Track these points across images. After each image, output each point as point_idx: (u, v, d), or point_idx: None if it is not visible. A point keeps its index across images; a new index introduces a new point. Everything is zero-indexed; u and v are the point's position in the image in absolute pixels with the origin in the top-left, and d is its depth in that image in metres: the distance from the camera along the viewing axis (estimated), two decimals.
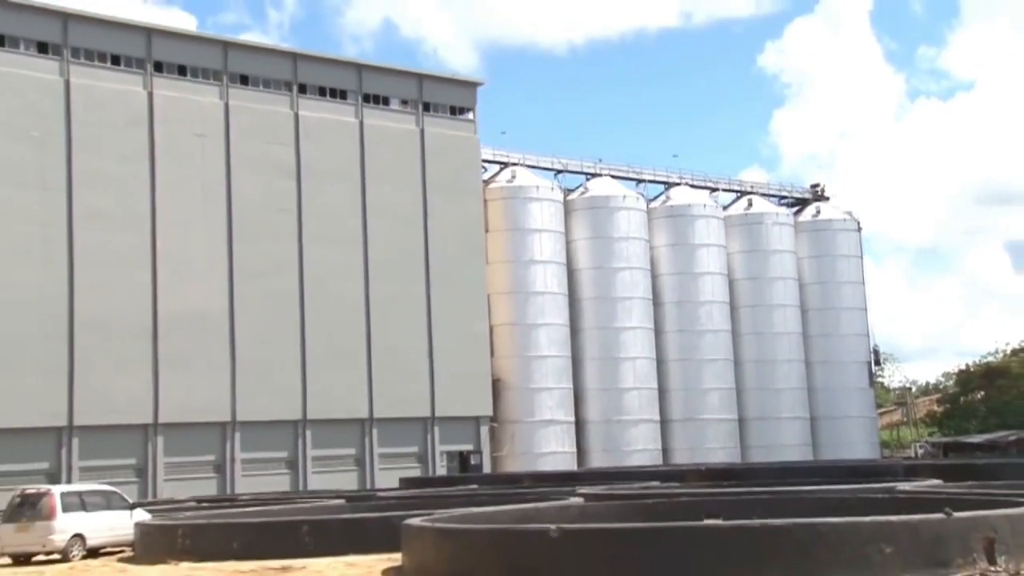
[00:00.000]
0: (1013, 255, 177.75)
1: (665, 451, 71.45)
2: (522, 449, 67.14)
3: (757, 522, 16.52)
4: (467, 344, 65.02)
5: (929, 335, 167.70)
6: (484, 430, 66.19)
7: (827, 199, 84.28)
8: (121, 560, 24.70)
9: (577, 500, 25.94)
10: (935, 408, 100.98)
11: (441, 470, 62.69)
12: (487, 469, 63.58)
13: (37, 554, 25.83)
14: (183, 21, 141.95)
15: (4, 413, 51.28)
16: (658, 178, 78.71)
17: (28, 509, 26.49)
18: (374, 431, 62.00)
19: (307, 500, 37.98)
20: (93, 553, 26.09)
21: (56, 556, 25.49)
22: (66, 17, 56.73)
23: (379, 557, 19.52)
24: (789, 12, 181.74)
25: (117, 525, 27.19)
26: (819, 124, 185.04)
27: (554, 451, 67.49)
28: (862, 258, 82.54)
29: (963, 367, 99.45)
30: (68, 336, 53.48)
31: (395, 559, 18.47)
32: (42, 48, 55.44)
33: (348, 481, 58.90)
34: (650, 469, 52.34)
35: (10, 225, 52.59)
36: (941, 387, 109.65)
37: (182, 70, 59.21)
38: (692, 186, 78.96)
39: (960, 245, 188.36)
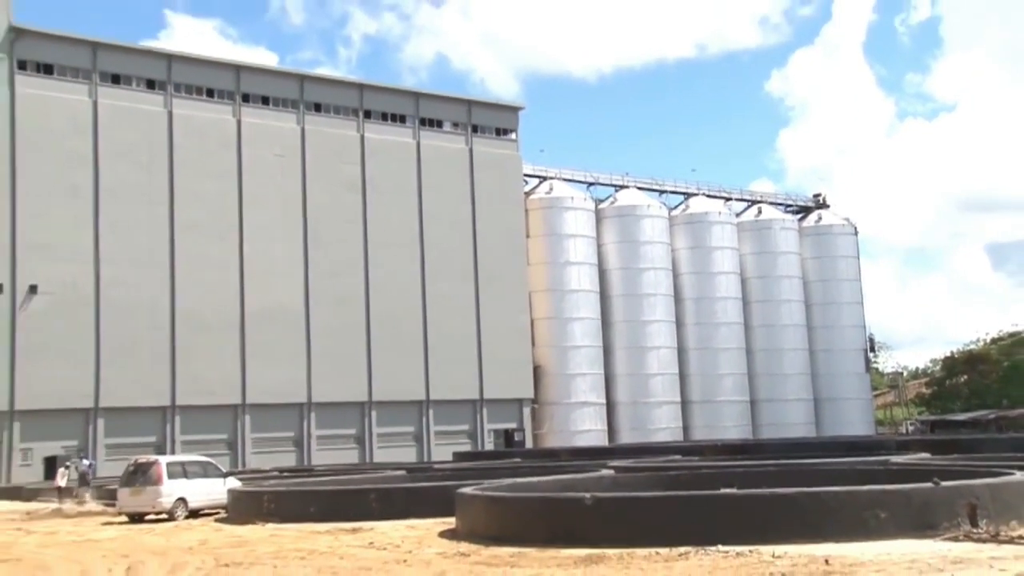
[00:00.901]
0: (992, 256, 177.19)
1: (685, 429, 71.36)
2: (559, 427, 67.35)
3: (767, 491, 16.73)
4: (511, 335, 65.33)
5: (918, 326, 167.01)
6: (526, 411, 66.45)
7: (827, 207, 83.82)
8: (217, 520, 24.87)
9: (608, 472, 25.75)
10: (924, 390, 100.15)
11: (489, 445, 62.90)
12: (529, 445, 63.77)
13: (148, 514, 25.92)
14: (266, 58, 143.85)
15: (119, 395, 52.73)
16: (678, 189, 78.54)
17: (140, 476, 26.58)
18: (430, 411, 62.50)
19: (373, 471, 38.28)
20: (194, 514, 26.18)
21: (164, 516, 25.70)
22: (170, 58, 57.94)
23: (436, 521, 19.54)
24: (792, 43, 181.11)
25: (213, 491, 27.06)
26: (819, 141, 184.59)
27: (588, 429, 67.61)
28: (858, 258, 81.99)
29: (948, 354, 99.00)
30: (170, 329, 54.58)
31: (449, 522, 18.47)
32: (150, 85, 56.54)
33: (408, 455, 59.39)
34: (672, 445, 52.41)
35: (123, 236, 53.81)
36: (929, 372, 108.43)
37: (265, 100, 60.06)
38: (708, 196, 78.78)
39: (945, 247, 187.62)
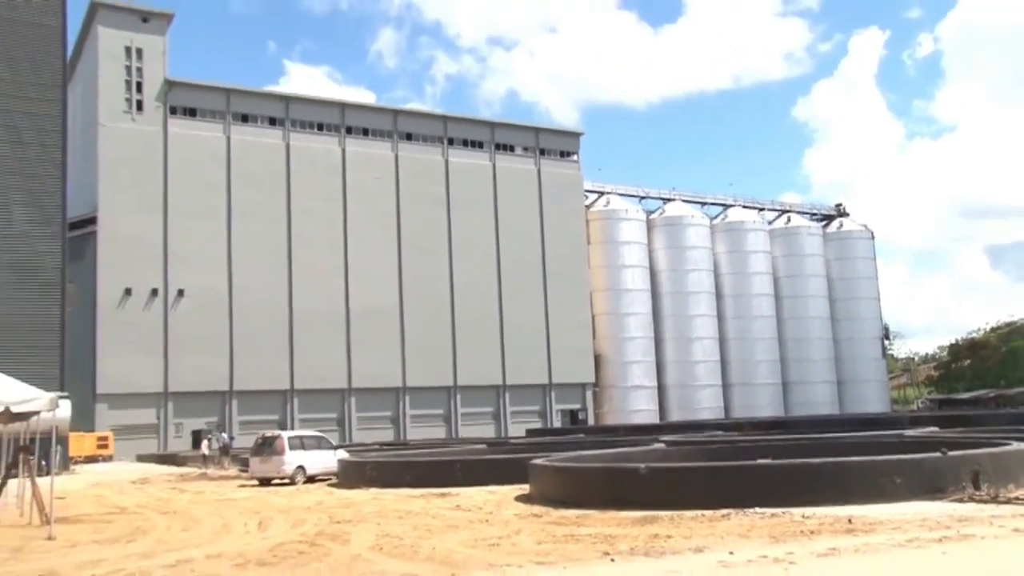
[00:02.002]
0: (990, 256, 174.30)
1: (726, 408, 70.41)
2: (617, 407, 67.00)
3: (797, 461, 16.42)
4: (575, 328, 65.14)
5: (927, 317, 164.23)
6: (589, 393, 66.26)
7: (847, 215, 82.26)
8: (329, 485, 24.86)
9: (660, 445, 25.16)
10: (932, 373, 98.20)
11: (556, 423, 62.82)
12: (591, 422, 63.53)
13: (274, 479, 26.08)
14: (366, 97, 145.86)
15: (249, 380, 53.97)
16: (718, 201, 77.55)
17: (267, 447, 26.79)
18: (506, 394, 62.65)
19: (458, 445, 38.16)
20: (310, 479, 26.24)
21: (286, 480, 25.87)
22: (287, 99, 59.17)
23: (512, 487, 19.33)
24: (814, 75, 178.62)
25: (326, 460, 26.86)
26: (839, 159, 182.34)
27: (641, 409, 67.17)
28: (875, 259, 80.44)
29: (953, 342, 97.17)
30: (289, 326, 55.69)
31: (524, 489, 18.32)
32: (271, 122, 57.75)
33: (487, 431, 59.53)
34: (715, 422, 51.67)
35: (250, 249, 55.07)
36: (937, 357, 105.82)
37: (365, 132, 60.86)
38: (744, 207, 77.60)
39: (949, 248, 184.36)
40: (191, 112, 55.28)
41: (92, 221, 51.66)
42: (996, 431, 23.83)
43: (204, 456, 37.72)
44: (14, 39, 38.52)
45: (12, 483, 17.63)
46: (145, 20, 54.81)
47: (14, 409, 14.32)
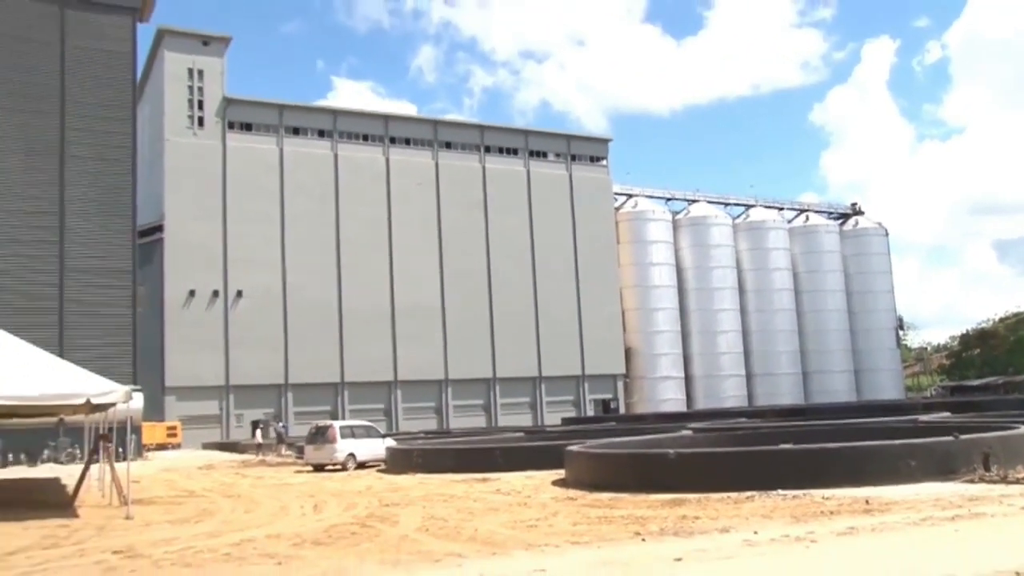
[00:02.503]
0: (998, 250, 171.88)
1: (750, 396, 69.65)
2: (647, 397, 66.60)
3: (817, 445, 16.33)
4: (606, 323, 64.88)
5: (938, 309, 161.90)
6: (620, 384, 65.92)
7: (863, 213, 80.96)
8: (378, 471, 24.97)
9: (687, 432, 24.98)
10: (944, 362, 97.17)
11: (590, 412, 62.58)
12: (622, 411, 63.18)
13: (327, 465, 26.24)
14: (408, 109, 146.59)
15: (302, 374, 54.52)
16: (740, 202, 76.66)
17: (320, 436, 26.84)
18: (543, 385, 62.58)
19: (498, 433, 37.93)
20: (361, 466, 26.33)
21: (338, 467, 26.03)
22: (335, 113, 59.65)
23: (549, 472, 19.40)
24: (830, 82, 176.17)
25: (375, 448, 26.89)
26: (854, 160, 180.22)
27: (670, 398, 66.69)
28: (889, 255, 78.97)
29: (964, 332, 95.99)
30: (339, 323, 56.10)
31: (559, 474, 18.35)
32: (321, 134, 58.27)
33: (525, 420, 59.39)
34: (739, 410, 51.12)
35: (302, 251, 55.63)
36: (948, 346, 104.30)
37: (407, 141, 61.09)
38: (765, 207, 76.64)
39: (959, 244, 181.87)
40: (247, 126, 56.05)
41: (159, 228, 52.58)
42: (1005, 415, 23.57)
43: (258, 444, 38.21)
44: (92, 65, 39.57)
45: (93, 468, 18.13)
46: (206, 44, 55.71)
47: (94, 401, 14.74)
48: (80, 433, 25.82)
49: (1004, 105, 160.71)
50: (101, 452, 17.04)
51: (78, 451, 30.77)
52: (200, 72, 54.92)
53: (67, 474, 23.36)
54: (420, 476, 21.51)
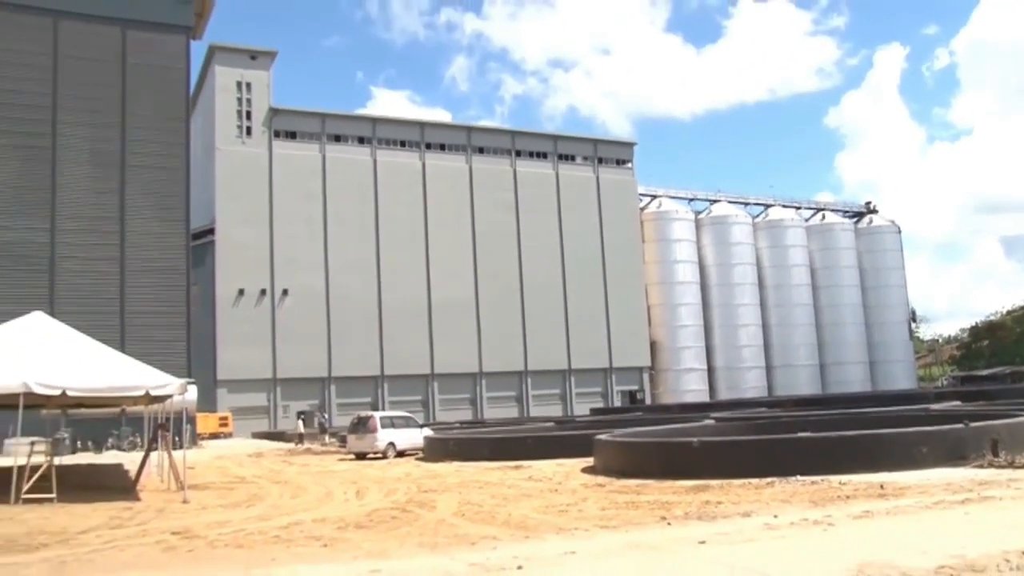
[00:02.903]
0: (1005, 247, 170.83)
1: (769, 387, 69.00)
2: (671, 388, 66.26)
3: (834, 433, 16.06)
4: (632, 318, 64.64)
5: (949, 302, 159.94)
6: (645, 376, 65.69)
7: (876, 212, 79.92)
8: (416, 459, 24.94)
9: (710, 421, 24.62)
10: (955, 353, 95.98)
11: (617, 403, 62.46)
12: (648, 402, 62.90)
13: (368, 453, 26.32)
14: (442, 116, 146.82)
15: (344, 367, 55.00)
16: (759, 201, 75.92)
17: (362, 426, 26.89)
18: (572, 377, 62.51)
19: (529, 423, 37.95)
20: (400, 454, 26.38)
21: (379, 455, 26.10)
22: (374, 121, 60.11)
23: (578, 460, 19.26)
24: (844, 86, 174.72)
25: (413, 437, 26.96)
26: (868, 161, 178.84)
27: (693, 389, 66.27)
28: (902, 251, 78.01)
29: (973, 324, 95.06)
30: (378, 318, 56.51)
31: (588, 462, 18.24)
32: (360, 140, 58.73)
33: (555, 411, 59.43)
34: (759, 400, 50.90)
35: (344, 251, 56.14)
36: (958, 338, 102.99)
37: (442, 147, 61.39)
38: (783, 206, 75.90)
39: (967, 240, 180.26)
40: (292, 135, 56.66)
41: (211, 231, 53.40)
42: (1013, 404, 23.29)
43: (299, 435, 38.45)
44: (149, 81, 40.33)
45: (153, 455, 18.48)
46: (253, 58, 56.45)
47: (153, 393, 15.05)
48: (140, 423, 26.30)
49: (1009, 108, 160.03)
50: (159, 440, 17.37)
51: (139, 439, 31.34)
52: (248, 84, 55.64)
53: (129, 460, 23.79)
54: (456, 464, 21.50)
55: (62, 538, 10.16)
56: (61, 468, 15.73)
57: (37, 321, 16.51)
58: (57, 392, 13.84)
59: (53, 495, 13.56)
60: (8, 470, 14.20)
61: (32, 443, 15.74)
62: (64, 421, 23.24)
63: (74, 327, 17.09)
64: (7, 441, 27.75)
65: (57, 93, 38.69)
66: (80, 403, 17.65)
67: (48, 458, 14.87)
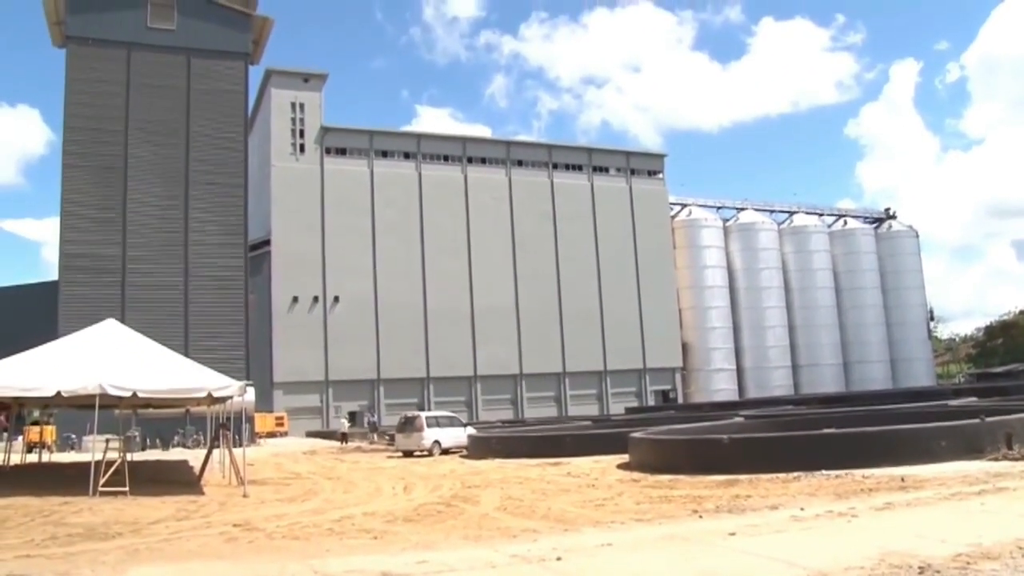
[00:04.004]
0: (1017, 250, 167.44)
1: (796, 386, 67.70)
2: (702, 388, 65.38)
3: (857, 429, 15.98)
4: (665, 320, 64.03)
5: (965, 303, 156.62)
6: (678, 376, 64.95)
7: (895, 217, 78.04)
8: (460, 456, 25.05)
9: (739, 419, 24.54)
10: (971, 351, 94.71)
11: (650, 402, 61.81)
12: (680, 401, 62.22)
13: (415, 451, 26.35)
14: (483, 131, 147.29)
15: (392, 369, 55.23)
16: (784, 209, 74.63)
17: (409, 425, 26.78)
18: (608, 378, 62.09)
19: (567, 422, 37.89)
20: (445, 452, 26.40)
21: (425, 453, 26.18)
22: (419, 137, 60.37)
23: (614, 457, 19.19)
24: (862, 99, 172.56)
25: (457, 436, 26.94)
26: (886, 169, 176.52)
27: (723, 388, 65.36)
28: (920, 255, 76.11)
29: (989, 323, 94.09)
30: (424, 323, 56.74)
31: (624, 458, 18.16)
32: (406, 156, 59.06)
33: (592, 410, 58.95)
34: (786, 398, 50.11)
35: (391, 259, 56.49)
36: (974, 337, 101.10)
37: (483, 160, 61.48)
38: (807, 213, 74.47)
39: (982, 244, 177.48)
40: (342, 151, 57.42)
41: (267, 243, 54.18)
42: None
43: (343, 434, 38.60)
44: (211, 104, 41.50)
45: (215, 452, 18.88)
46: (306, 80, 57.43)
47: (215, 394, 15.42)
48: (203, 422, 26.88)
49: (1018, 118, 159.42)
50: (221, 439, 17.69)
51: (202, 438, 31.98)
52: (302, 105, 56.62)
53: (193, 457, 24.32)
54: (498, 461, 21.49)
55: (134, 528, 10.47)
56: (132, 464, 16.19)
57: (110, 328, 17.03)
58: (128, 394, 14.25)
59: (126, 488, 13.92)
60: (87, 464, 14.66)
61: (107, 440, 16.25)
62: (134, 420, 23.92)
63: (143, 333, 17.59)
64: (85, 438, 28.66)
65: (129, 118, 39.99)
66: (149, 404, 18.14)
67: (121, 454, 15.32)
